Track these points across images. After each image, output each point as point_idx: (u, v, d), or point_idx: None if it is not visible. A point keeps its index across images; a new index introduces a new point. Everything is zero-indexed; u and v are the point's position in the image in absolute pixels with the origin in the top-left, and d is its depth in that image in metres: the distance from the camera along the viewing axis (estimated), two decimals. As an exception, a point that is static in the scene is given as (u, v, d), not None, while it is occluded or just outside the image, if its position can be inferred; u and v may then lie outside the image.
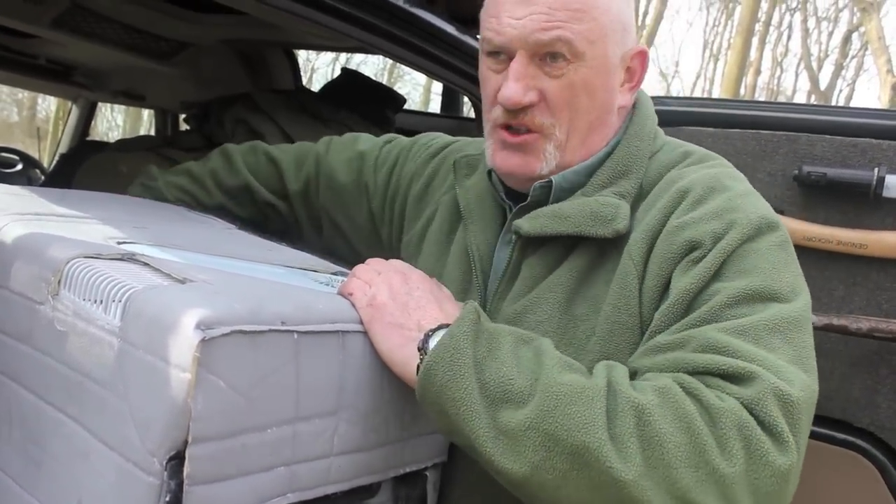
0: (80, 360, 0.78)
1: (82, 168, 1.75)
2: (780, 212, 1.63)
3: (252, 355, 0.73)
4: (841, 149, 1.60)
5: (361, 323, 0.87)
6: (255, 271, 0.96)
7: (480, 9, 1.73)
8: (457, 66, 1.79)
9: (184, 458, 0.70)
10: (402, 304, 0.89)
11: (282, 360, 0.77)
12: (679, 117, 1.74)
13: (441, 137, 1.31)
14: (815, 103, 12.22)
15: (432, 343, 0.84)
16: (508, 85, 0.96)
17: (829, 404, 1.62)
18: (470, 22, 1.79)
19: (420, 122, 2.35)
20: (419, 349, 0.84)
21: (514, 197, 1.06)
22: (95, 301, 0.78)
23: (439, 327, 0.86)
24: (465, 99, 2.09)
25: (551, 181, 1.02)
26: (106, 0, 2.03)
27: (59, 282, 0.82)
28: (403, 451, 0.94)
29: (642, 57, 1.04)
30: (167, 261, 0.88)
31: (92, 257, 0.84)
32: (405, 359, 0.85)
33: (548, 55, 0.95)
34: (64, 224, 0.99)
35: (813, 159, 1.62)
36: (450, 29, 1.72)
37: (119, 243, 0.93)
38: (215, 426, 0.71)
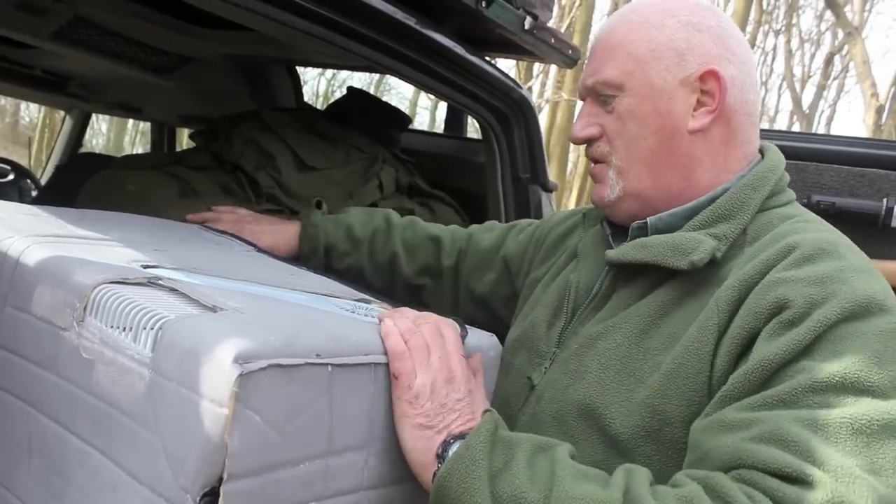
0: (109, 390, 0.77)
1: (88, 184, 1.72)
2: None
3: (287, 389, 0.72)
4: (849, 179, 1.61)
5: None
6: (280, 298, 0.95)
7: (488, 31, 1.74)
8: (464, 87, 1.79)
9: (218, 494, 0.68)
10: (440, 404, 0.87)
11: (316, 393, 0.76)
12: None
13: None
14: (823, 133, 12.34)
15: (450, 451, 0.83)
16: (573, 124, 1.08)
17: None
18: (479, 43, 1.80)
19: (424, 142, 2.34)
20: (437, 455, 0.83)
21: (622, 241, 1.09)
22: (124, 329, 0.76)
23: (461, 435, 0.85)
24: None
25: (647, 222, 1.04)
26: (109, 14, 2.01)
27: (84, 308, 0.80)
28: (431, 483, 0.93)
29: (715, 77, 1.00)
30: (194, 286, 0.87)
31: (118, 283, 0.82)
32: (425, 463, 0.84)
33: (600, 96, 1.05)
34: (85, 246, 0.97)
35: (821, 188, 1.63)
36: (458, 50, 1.72)
37: (143, 267, 0.92)
38: (250, 462, 0.70)
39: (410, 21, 1.59)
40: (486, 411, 0.87)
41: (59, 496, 0.81)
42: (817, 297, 0.83)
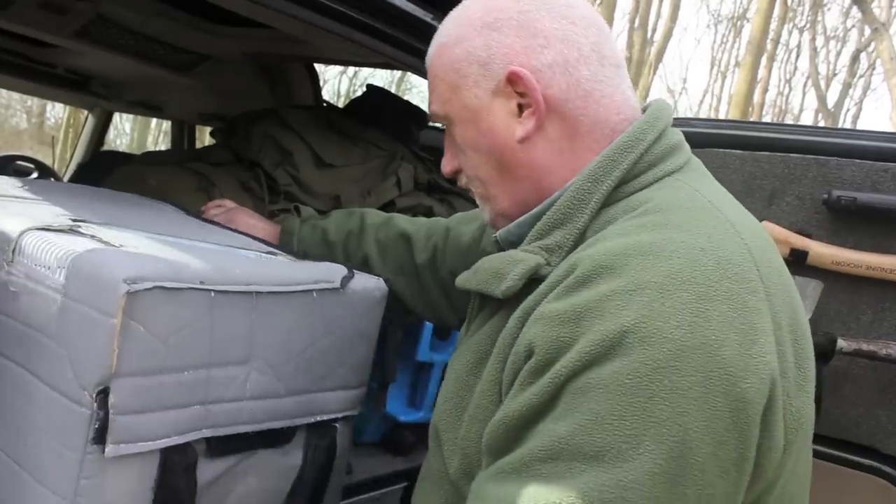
0: (30, 315, 0.92)
1: (109, 179, 1.74)
2: (807, 235, 1.62)
3: (171, 308, 0.87)
4: (871, 174, 1.58)
5: (275, 284, 0.99)
6: (188, 244, 1.05)
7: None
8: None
9: (109, 391, 0.83)
10: None
11: (198, 313, 0.90)
12: (706, 139, 1.73)
13: None
14: (844, 127, 12.22)
15: None
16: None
17: (856, 430, 1.60)
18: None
19: (442, 139, 2.34)
20: None
21: None
22: (45, 266, 0.90)
23: None
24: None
25: (496, 237, 0.98)
26: (130, 12, 2.03)
27: (13, 251, 0.95)
28: (314, 402, 1.09)
29: (518, 78, 0.88)
30: (111, 234, 0.99)
31: (43, 229, 0.96)
32: None
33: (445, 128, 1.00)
34: (22, 204, 1.11)
35: (842, 183, 1.60)
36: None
37: (70, 220, 1.03)
38: (136, 365, 0.85)
39: (428, 17, 1.60)
40: None
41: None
42: (565, 340, 0.71)
